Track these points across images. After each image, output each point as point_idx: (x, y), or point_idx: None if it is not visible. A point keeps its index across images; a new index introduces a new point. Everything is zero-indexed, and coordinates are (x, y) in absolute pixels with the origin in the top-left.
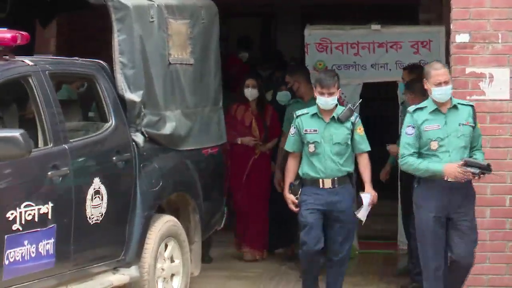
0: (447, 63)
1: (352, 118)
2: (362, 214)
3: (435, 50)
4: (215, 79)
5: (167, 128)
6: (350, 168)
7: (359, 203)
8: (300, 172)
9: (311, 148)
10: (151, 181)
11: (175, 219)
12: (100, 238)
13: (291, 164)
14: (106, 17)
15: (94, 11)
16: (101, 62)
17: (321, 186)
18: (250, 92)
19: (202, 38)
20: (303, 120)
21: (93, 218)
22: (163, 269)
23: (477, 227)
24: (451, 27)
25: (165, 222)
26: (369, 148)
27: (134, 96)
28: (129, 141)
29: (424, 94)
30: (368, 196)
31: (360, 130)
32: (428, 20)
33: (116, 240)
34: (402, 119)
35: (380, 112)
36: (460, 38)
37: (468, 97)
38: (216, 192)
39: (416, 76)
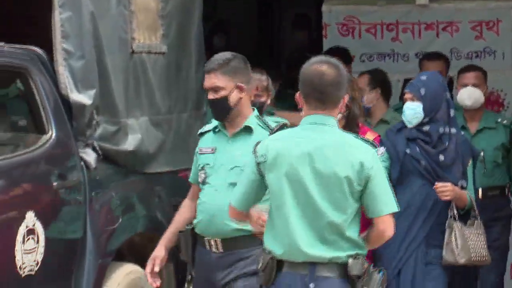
0: None
1: None
2: None
3: (506, 33)
4: (197, 74)
5: (130, 143)
6: None
7: None
8: None
9: None
10: (107, 217)
11: (141, 270)
12: None
13: None
14: None
15: None
16: (37, 49)
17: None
18: None
19: (179, 17)
20: None
21: (25, 268)
22: None
23: None
24: None
25: (126, 274)
26: None
27: (83, 98)
28: (76, 161)
29: None
30: None
31: None
32: None
33: None
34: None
35: None
36: None
37: None
38: None
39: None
